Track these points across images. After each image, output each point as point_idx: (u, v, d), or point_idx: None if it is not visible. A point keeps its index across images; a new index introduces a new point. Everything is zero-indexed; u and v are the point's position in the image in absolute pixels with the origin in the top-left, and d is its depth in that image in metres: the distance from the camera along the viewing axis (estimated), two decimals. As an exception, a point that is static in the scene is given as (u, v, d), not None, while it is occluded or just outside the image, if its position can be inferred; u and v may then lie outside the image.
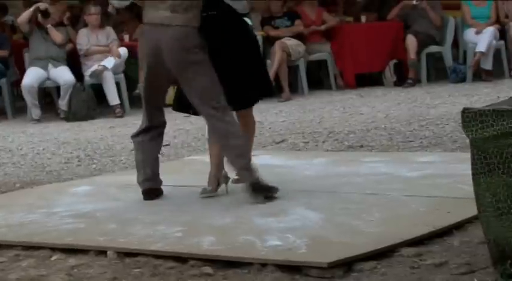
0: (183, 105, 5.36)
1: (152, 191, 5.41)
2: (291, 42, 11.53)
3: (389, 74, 11.83)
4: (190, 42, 5.13)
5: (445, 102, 9.81)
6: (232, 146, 5.08)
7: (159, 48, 5.14)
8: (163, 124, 5.46)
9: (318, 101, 10.83)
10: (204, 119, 5.27)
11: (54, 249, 4.48)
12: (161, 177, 5.49)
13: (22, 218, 5.16)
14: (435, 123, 8.30)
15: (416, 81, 11.65)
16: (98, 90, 11.04)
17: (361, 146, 7.39)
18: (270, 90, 5.64)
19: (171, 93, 6.40)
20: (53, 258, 4.38)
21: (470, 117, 3.42)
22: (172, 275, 3.96)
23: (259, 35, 11.47)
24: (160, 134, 5.47)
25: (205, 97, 5.10)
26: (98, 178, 6.67)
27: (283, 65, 11.37)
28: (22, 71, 11.29)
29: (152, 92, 5.37)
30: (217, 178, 5.35)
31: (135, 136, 5.50)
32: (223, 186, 5.38)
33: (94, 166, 7.38)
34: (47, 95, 12.19)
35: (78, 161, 7.67)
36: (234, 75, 5.20)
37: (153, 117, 5.40)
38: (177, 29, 5.13)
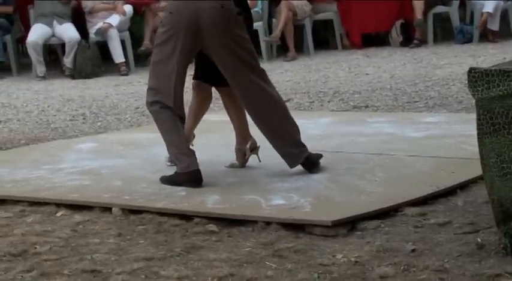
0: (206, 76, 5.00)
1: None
2: (297, 2, 11.46)
3: (395, 34, 11.78)
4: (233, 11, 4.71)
5: (451, 63, 9.79)
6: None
7: (197, 23, 4.66)
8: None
9: (324, 61, 10.80)
10: (242, 88, 4.79)
11: (59, 205, 4.50)
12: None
13: (27, 174, 5.18)
14: (441, 84, 8.29)
15: (423, 42, 11.60)
16: (103, 48, 11.02)
17: (366, 106, 7.39)
18: None
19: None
20: (59, 214, 4.41)
21: (476, 77, 3.41)
22: (177, 232, 3.98)
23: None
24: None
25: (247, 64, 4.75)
26: (102, 135, 6.69)
27: (289, 24, 11.32)
28: (27, 28, 11.26)
29: (183, 76, 4.78)
30: (243, 151, 5.06)
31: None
32: (254, 156, 5.05)
33: (99, 123, 7.39)
34: (52, 52, 12.18)
35: (83, 118, 7.68)
36: None
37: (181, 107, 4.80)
38: None
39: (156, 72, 4.79)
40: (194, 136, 5.21)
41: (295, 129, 4.86)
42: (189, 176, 4.66)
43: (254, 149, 5.08)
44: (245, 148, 5.07)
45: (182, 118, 4.80)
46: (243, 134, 5.07)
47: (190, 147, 4.96)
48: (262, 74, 4.83)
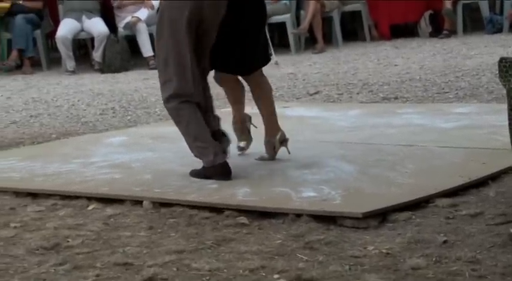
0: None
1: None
2: (325, -7, 11.43)
3: (424, 24, 11.71)
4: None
5: (481, 53, 9.71)
6: None
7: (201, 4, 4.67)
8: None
9: (352, 53, 10.77)
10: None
11: (90, 199, 4.53)
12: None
13: (59, 168, 5.21)
14: (471, 74, 8.24)
15: (452, 32, 11.53)
16: (132, 42, 11.06)
17: (396, 98, 7.36)
18: (268, 58, 5.22)
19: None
20: (90, 207, 4.44)
21: (507, 67, 3.40)
22: (208, 225, 3.99)
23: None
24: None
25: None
26: (132, 129, 6.72)
27: (317, 16, 11.29)
28: (56, 23, 11.32)
29: (194, 58, 4.72)
30: (272, 144, 5.04)
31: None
32: (283, 149, 5.05)
33: (129, 117, 7.42)
34: (81, 46, 12.25)
35: (113, 112, 7.72)
36: (244, 41, 4.90)
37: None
38: None
39: (165, 62, 4.70)
40: (250, 117, 5.25)
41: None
42: (216, 170, 4.65)
43: (283, 141, 5.07)
44: (274, 140, 5.06)
45: (201, 106, 4.77)
46: (272, 127, 5.07)
47: (252, 127, 5.15)
48: None
